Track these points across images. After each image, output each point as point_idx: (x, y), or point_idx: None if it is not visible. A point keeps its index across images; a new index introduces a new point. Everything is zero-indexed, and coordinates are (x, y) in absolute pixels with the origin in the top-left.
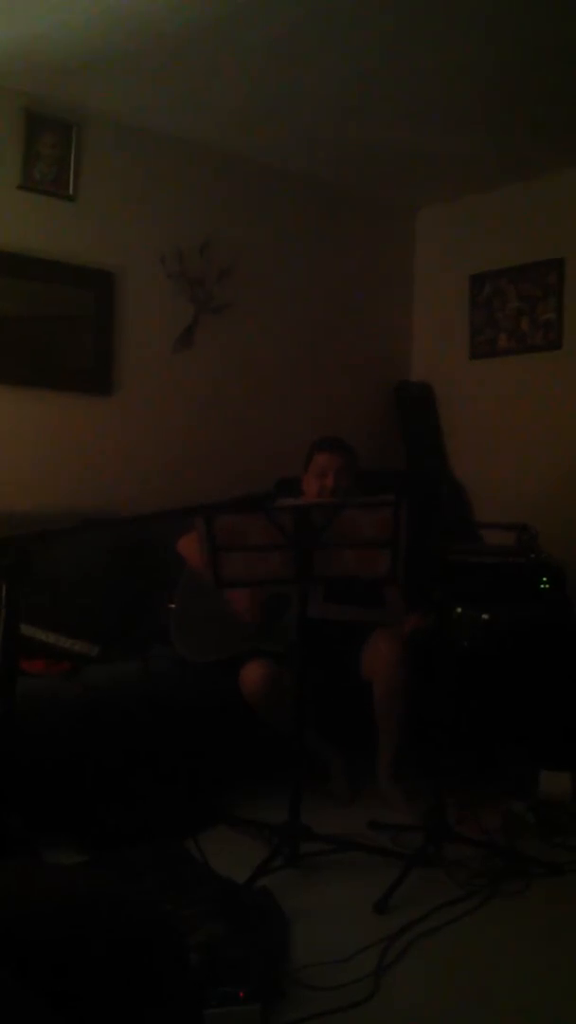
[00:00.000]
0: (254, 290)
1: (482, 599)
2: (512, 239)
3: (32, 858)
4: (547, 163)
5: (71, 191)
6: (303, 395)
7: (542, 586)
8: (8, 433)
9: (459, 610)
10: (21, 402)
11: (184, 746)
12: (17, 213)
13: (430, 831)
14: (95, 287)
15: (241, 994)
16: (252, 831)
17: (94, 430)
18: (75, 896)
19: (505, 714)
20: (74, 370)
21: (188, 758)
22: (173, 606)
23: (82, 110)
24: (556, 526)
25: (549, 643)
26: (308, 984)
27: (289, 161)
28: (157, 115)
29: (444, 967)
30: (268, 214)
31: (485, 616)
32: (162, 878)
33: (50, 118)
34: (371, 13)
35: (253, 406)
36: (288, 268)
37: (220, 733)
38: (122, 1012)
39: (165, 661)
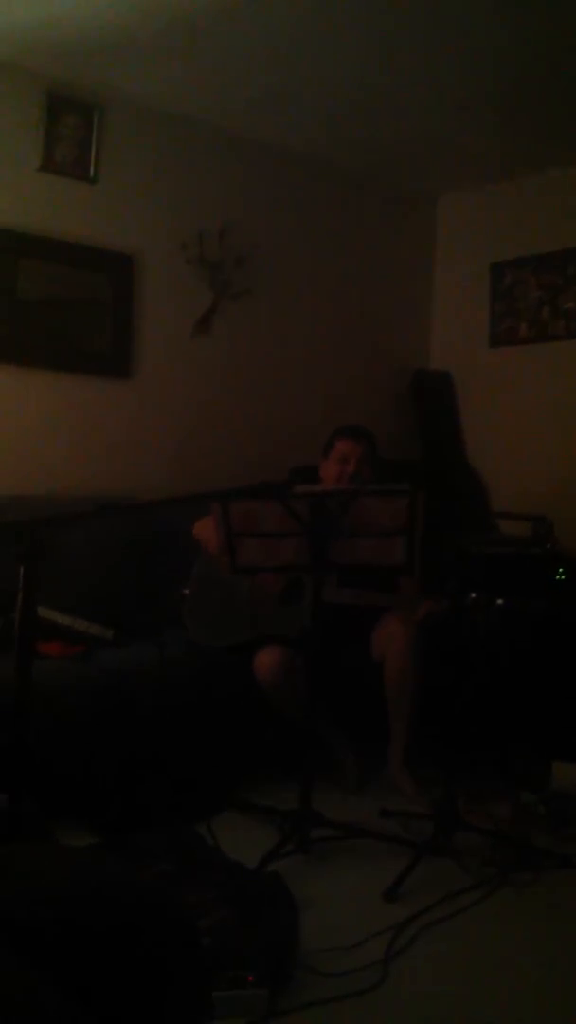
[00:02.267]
0: (273, 276)
1: (497, 589)
2: (533, 228)
3: (45, 840)
4: (570, 152)
5: (92, 174)
6: (320, 382)
7: (558, 577)
8: (25, 416)
9: (473, 595)
10: (38, 385)
11: (197, 731)
12: (38, 195)
13: (440, 820)
14: (114, 270)
15: (250, 978)
16: (263, 817)
17: (111, 414)
18: (87, 879)
19: (518, 705)
20: (92, 353)
21: (200, 743)
22: (187, 591)
23: (104, 93)
24: (573, 517)
25: (564, 634)
26: (316, 970)
27: (310, 147)
28: (179, 98)
29: (452, 956)
30: (288, 200)
31: (500, 601)
32: (173, 862)
33: (72, 100)
34: None
35: (270, 393)
36: (307, 255)
37: (232, 718)
38: (132, 995)
39: (178, 646)
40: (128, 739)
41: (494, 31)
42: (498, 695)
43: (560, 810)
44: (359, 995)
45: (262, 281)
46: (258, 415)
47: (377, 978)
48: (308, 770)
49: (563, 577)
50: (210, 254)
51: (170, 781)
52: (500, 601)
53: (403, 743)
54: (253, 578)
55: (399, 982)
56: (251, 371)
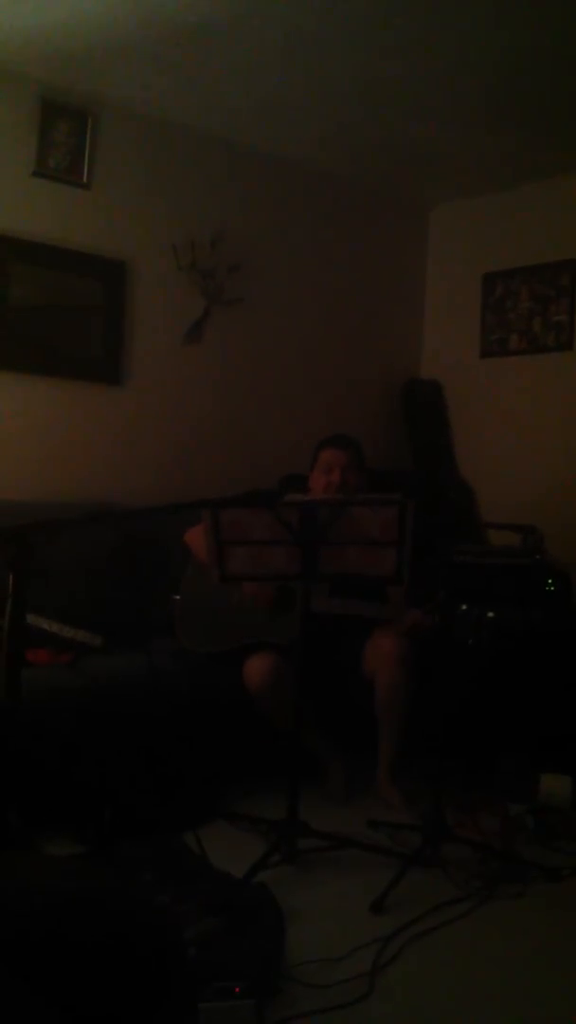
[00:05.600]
0: (265, 284)
1: (486, 600)
2: (526, 239)
3: (30, 851)
4: (562, 163)
5: (85, 179)
6: (312, 391)
7: (547, 588)
8: (16, 421)
9: (464, 607)
10: (29, 390)
11: (184, 739)
12: (31, 200)
13: (428, 831)
14: (107, 276)
15: (236, 989)
16: (250, 826)
17: (102, 420)
18: (73, 889)
19: (507, 716)
20: (83, 359)
21: (188, 751)
22: (177, 598)
23: (98, 99)
24: (563, 528)
25: (553, 646)
26: (303, 981)
27: (303, 155)
28: (173, 106)
29: (439, 968)
30: (281, 208)
31: (491, 614)
32: (160, 872)
33: (66, 106)
34: (388, 9)
35: (261, 401)
36: (300, 263)
37: (221, 727)
38: (118, 1005)
39: (167, 653)
40: (116, 747)
41: (489, 42)
42: (487, 706)
43: (548, 822)
44: (346, 1007)
45: (254, 289)
46: (249, 423)
47: (364, 990)
48: (296, 780)
49: (552, 588)
50: (203, 261)
51: (157, 790)
52: (491, 614)
53: (391, 756)
54: (242, 591)
55: (386, 994)
56: (242, 379)
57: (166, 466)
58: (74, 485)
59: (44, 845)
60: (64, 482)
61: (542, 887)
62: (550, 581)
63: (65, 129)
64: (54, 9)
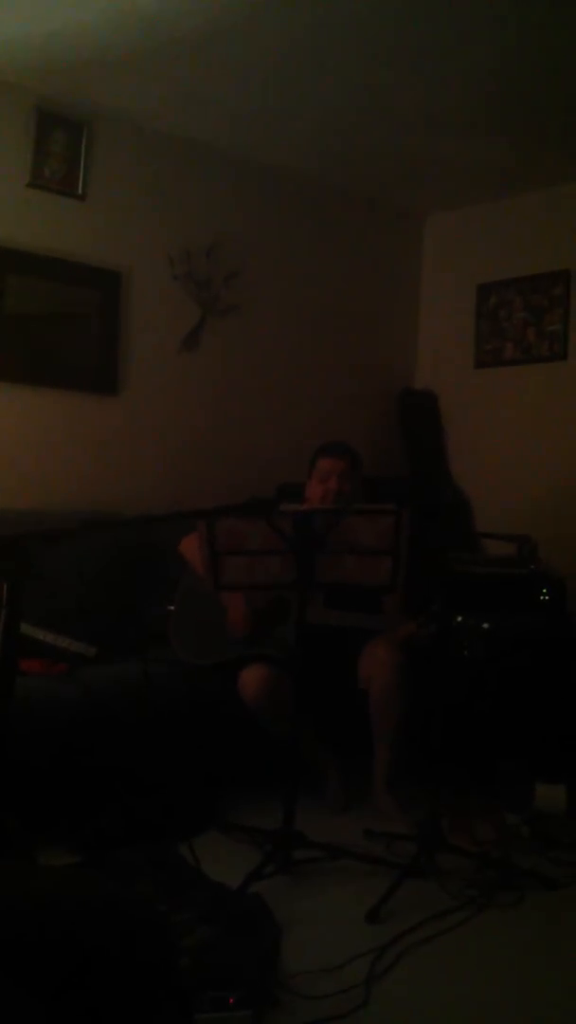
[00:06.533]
0: (260, 293)
1: (482, 609)
2: (520, 249)
3: (25, 859)
4: (557, 173)
5: (80, 190)
6: (307, 400)
7: (542, 597)
8: (12, 431)
9: (459, 618)
10: (25, 400)
11: (179, 749)
12: (26, 211)
13: (424, 841)
14: (102, 286)
15: (231, 1000)
16: (246, 836)
17: (98, 430)
18: (66, 898)
19: (502, 725)
20: (79, 369)
21: (183, 761)
22: (172, 608)
23: (93, 109)
24: (557, 538)
25: (548, 655)
26: (298, 992)
27: (298, 165)
28: (168, 116)
29: (435, 978)
30: (276, 217)
31: (486, 625)
32: (154, 881)
33: (61, 116)
34: (382, 19)
35: (257, 410)
36: (295, 272)
37: (216, 737)
38: (112, 1015)
39: (162, 663)
40: (111, 758)
41: (484, 52)
42: (483, 715)
43: (544, 831)
44: (342, 1017)
45: (250, 298)
46: (245, 432)
47: (359, 1000)
48: (292, 790)
49: (547, 597)
50: (198, 271)
51: (152, 800)
52: (486, 624)
53: (387, 765)
54: (226, 618)
55: (381, 1004)
56: (238, 388)
57: (162, 475)
58: (70, 494)
59: (39, 854)
60: (60, 491)
61: (538, 896)
62: (545, 590)
63: (61, 140)
64: (50, 19)
